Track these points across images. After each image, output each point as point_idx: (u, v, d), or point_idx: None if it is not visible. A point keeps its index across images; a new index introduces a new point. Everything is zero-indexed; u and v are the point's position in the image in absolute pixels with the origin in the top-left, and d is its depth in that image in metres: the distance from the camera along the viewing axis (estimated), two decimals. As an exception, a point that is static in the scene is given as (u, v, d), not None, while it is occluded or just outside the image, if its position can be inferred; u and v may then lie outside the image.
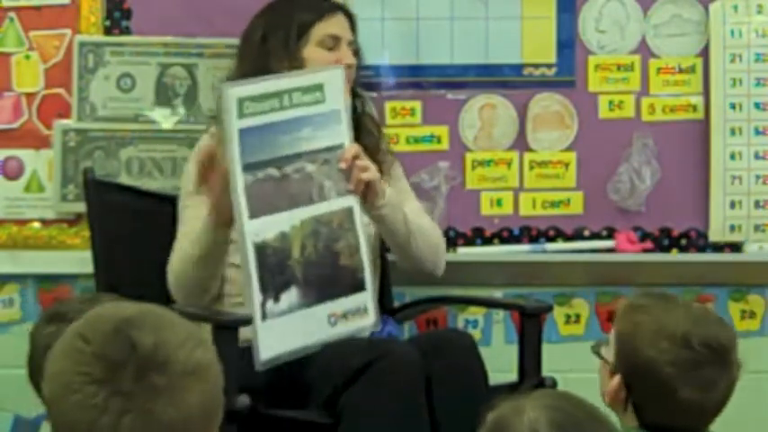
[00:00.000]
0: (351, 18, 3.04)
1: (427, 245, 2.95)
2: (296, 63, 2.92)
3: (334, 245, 2.77)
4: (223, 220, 2.71)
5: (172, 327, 1.46)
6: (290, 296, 2.69)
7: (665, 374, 2.01)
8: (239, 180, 2.64)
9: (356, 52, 3.03)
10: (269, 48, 2.94)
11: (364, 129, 3.02)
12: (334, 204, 2.77)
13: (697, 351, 2.02)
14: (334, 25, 2.98)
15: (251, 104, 2.67)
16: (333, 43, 2.97)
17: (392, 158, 3.08)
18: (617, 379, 2.06)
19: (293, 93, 2.73)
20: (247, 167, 2.66)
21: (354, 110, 2.98)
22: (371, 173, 2.78)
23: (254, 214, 2.64)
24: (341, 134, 2.79)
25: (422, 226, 2.95)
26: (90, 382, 1.40)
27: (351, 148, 2.76)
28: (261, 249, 2.65)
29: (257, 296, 2.64)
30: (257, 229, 2.65)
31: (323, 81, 2.78)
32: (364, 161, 2.77)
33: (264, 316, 2.64)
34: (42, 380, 1.98)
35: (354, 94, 3.01)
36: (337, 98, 2.79)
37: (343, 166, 2.75)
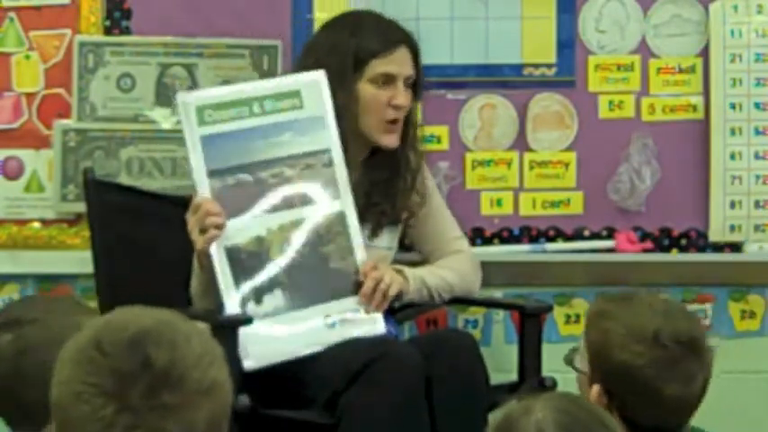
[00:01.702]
0: (414, 49, 2.97)
1: (457, 292, 3.00)
2: (349, 95, 2.88)
3: (322, 248, 2.78)
4: (205, 264, 2.72)
5: (188, 343, 1.44)
6: (275, 298, 2.72)
7: (644, 376, 2.02)
8: (205, 186, 2.69)
9: (415, 85, 2.96)
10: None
11: (404, 166, 2.98)
12: (321, 208, 2.80)
13: (670, 348, 2.02)
14: (391, 63, 2.91)
15: (213, 112, 2.73)
16: (387, 80, 2.91)
17: (426, 195, 3.04)
18: (596, 388, 2.06)
19: (264, 100, 2.78)
20: (214, 174, 2.71)
21: (401, 147, 2.96)
22: (389, 288, 2.80)
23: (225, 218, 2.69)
24: (325, 139, 2.81)
25: (448, 282, 2.97)
26: (100, 394, 1.39)
27: (368, 268, 2.79)
28: (233, 252, 2.70)
29: (234, 297, 2.67)
30: (229, 233, 2.68)
31: (300, 87, 2.82)
32: (379, 278, 2.79)
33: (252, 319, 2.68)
34: None
35: (406, 129, 2.97)
36: (319, 104, 2.81)
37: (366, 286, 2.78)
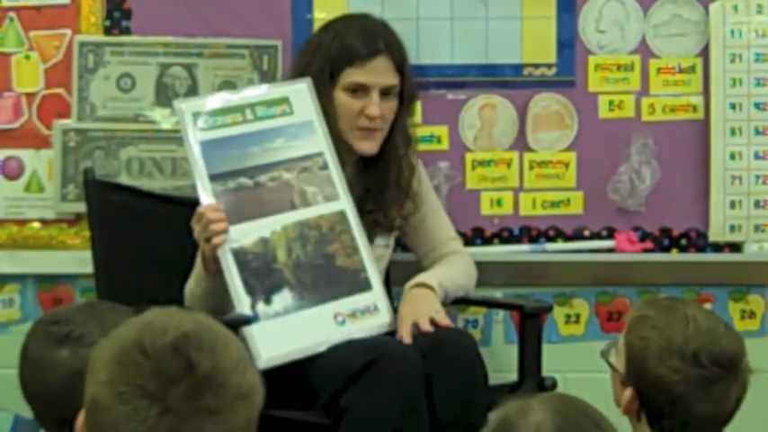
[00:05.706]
0: (396, 58, 2.95)
1: (464, 293, 3.01)
2: (328, 101, 2.90)
3: (326, 247, 2.81)
4: (212, 270, 2.72)
5: (226, 348, 1.47)
6: (284, 298, 2.73)
7: (677, 392, 2.01)
8: (207, 192, 2.72)
9: (400, 94, 2.96)
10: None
11: (395, 175, 2.98)
12: (323, 209, 2.83)
13: (708, 369, 2.01)
14: (366, 73, 2.91)
15: (209, 118, 2.77)
16: (360, 90, 2.91)
17: (419, 201, 3.05)
18: (629, 392, 2.06)
19: (256, 106, 2.83)
20: (215, 178, 2.74)
21: (387, 154, 2.96)
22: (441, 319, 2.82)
23: (228, 222, 2.71)
24: (316, 143, 2.86)
25: (462, 285, 2.98)
26: (143, 396, 1.41)
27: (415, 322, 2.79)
28: (240, 255, 2.71)
29: (244, 299, 2.68)
30: (233, 236, 2.71)
31: (288, 94, 2.87)
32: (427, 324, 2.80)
33: (257, 318, 2.69)
34: (31, 398, 1.95)
35: (393, 136, 2.97)
36: (307, 110, 2.86)
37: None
